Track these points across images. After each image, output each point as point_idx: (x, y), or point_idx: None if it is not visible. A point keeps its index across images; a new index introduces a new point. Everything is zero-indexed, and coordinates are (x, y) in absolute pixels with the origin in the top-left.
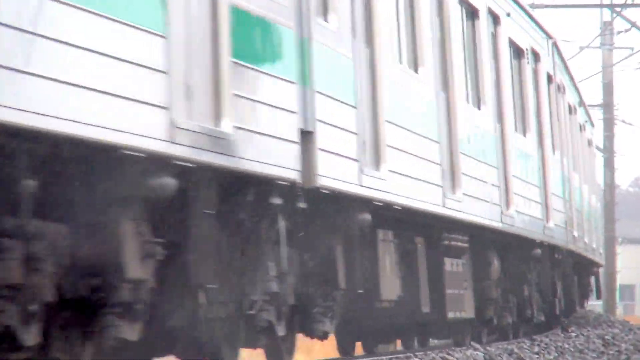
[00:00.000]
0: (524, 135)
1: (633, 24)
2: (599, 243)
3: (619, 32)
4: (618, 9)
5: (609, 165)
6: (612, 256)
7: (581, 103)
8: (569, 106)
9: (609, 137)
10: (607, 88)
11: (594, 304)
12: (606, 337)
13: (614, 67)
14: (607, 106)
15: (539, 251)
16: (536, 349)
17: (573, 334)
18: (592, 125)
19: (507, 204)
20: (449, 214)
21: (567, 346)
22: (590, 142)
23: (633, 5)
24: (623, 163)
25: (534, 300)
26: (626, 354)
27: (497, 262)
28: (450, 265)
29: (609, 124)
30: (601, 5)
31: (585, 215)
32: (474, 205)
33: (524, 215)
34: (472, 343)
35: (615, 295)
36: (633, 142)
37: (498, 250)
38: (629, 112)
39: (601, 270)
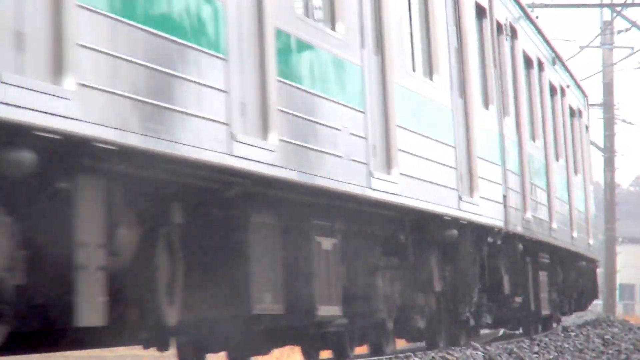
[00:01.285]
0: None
1: (633, 24)
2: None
3: (619, 32)
4: (618, 9)
5: (609, 164)
6: (612, 255)
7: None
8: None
9: (609, 136)
10: (608, 87)
11: (594, 303)
12: (606, 336)
13: (614, 66)
14: (608, 106)
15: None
16: (536, 348)
17: (573, 334)
18: (585, 95)
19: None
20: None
21: (566, 346)
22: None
23: (633, 4)
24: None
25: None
26: (626, 354)
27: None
28: None
29: (609, 123)
30: (601, 5)
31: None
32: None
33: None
34: (471, 343)
35: (615, 294)
36: (633, 142)
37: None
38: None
39: (601, 269)
